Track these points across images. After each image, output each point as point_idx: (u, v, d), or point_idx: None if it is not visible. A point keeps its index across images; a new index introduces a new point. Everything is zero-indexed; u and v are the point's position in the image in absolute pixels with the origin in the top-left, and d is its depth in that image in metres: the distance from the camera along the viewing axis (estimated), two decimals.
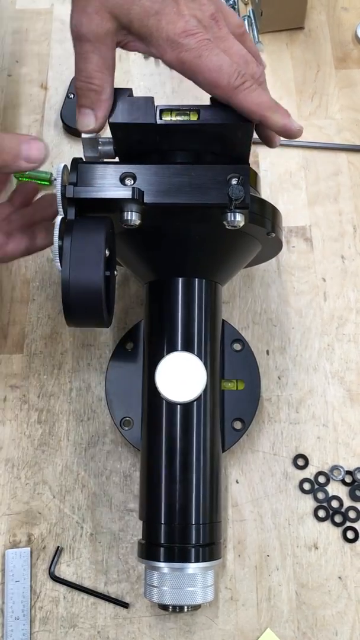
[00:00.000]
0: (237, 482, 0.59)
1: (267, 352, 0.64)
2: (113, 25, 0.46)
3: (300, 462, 0.59)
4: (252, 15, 0.82)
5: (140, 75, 0.79)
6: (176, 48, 0.44)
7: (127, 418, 0.58)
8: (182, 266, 0.54)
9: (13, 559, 0.55)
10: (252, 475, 0.59)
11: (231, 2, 0.82)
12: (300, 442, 0.60)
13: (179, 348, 0.52)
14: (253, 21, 0.82)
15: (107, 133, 0.50)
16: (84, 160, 0.50)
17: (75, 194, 0.46)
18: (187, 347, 0.53)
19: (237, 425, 0.57)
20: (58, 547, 0.56)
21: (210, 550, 0.51)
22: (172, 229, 0.52)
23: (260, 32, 0.81)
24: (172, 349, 0.52)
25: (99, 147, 0.50)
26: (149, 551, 0.51)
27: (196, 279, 0.54)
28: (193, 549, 0.50)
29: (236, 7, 0.83)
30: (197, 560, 0.50)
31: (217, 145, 0.50)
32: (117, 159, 0.52)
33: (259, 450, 0.60)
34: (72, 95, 0.76)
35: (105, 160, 0.51)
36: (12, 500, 0.58)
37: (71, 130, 0.75)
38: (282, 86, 0.78)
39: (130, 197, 0.46)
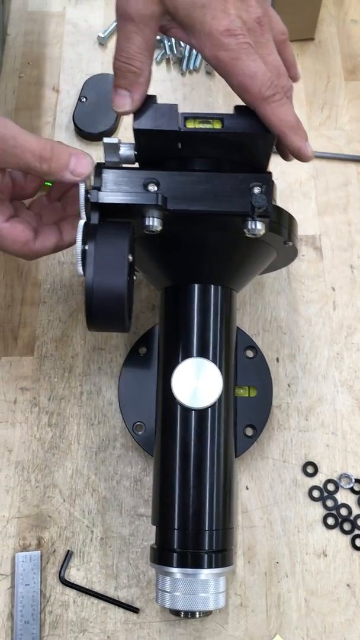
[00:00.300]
0: (247, 488, 0.59)
1: (277, 359, 0.64)
2: (159, 9, 0.46)
3: (310, 469, 0.59)
4: None
5: (152, 82, 0.79)
6: (216, 45, 0.45)
7: (139, 422, 0.58)
8: (199, 272, 0.54)
9: (23, 562, 0.55)
10: (261, 482, 0.59)
11: None
12: (309, 449, 0.60)
13: (195, 354, 0.53)
14: None
15: (127, 138, 0.51)
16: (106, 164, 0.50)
17: (100, 198, 0.47)
18: (203, 353, 0.53)
19: (249, 431, 0.58)
20: (68, 550, 0.56)
21: (223, 556, 0.51)
22: (191, 235, 0.52)
23: None
24: (188, 354, 0.53)
25: (120, 152, 0.51)
26: (161, 556, 0.51)
27: (212, 286, 0.54)
28: (206, 555, 0.50)
29: None
30: (210, 567, 0.50)
31: (237, 154, 0.50)
32: (136, 164, 0.52)
33: (269, 457, 0.60)
34: (84, 99, 0.77)
35: (126, 165, 0.51)
36: (22, 503, 0.58)
37: (83, 133, 0.75)
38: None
39: (155, 203, 0.46)
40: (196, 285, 0.54)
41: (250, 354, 0.60)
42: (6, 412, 0.62)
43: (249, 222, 0.48)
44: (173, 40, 0.81)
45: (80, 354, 0.64)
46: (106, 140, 0.50)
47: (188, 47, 0.81)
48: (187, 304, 0.54)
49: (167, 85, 0.80)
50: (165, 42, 0.81)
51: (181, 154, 0.50)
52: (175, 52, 0.80)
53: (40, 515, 0.58)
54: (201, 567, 0.50)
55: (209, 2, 0.45)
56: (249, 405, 0.58)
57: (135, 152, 0.50)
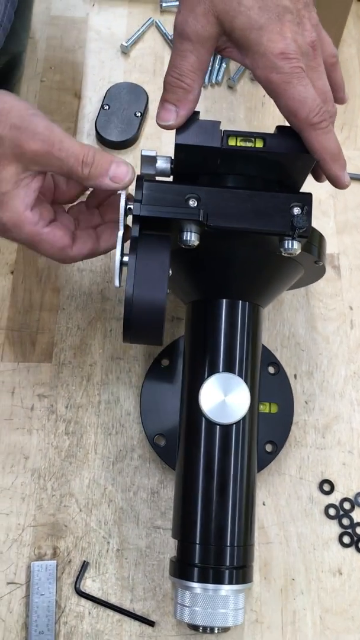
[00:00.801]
0: (263, 504, 0.59)
1: (295, 376, 0.64)
2: (216, 30, 0.46)
3: (326, 487, 0.60)
4: None
5: None
6: (269, 67, 0.45)
7: (160, 434, 0.58)
8: (228, 288, 0.54)
9: (39, 571, 0.55)
10: (278, 498, 0.60)
11: None
12: (326, 467, 0.61)
13: (223, 369, 0.53)
14: None
15: (163, 152, 0.51)
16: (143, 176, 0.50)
17: (142, 211, 0.47)
18: (230, 369, 0.53)
19: (269, 448, 0.58)
20: (84, 561, 0.56)
21: (243, 572, 0.51)
22: (225, 251, 0.52)
23: None
24: (215, 369, 0.53)
25: (156, 165, 0.51)
26: (182, 570, 0.51)
27: (240, 301, 0.54)
28: (227, 571, 0.50)
29: None
30: (230, 583, 0.50)
31: (275, 173, 0.51)
32: (171, 178, 0.52)
33: (286, 474, 0.60)
34: (107, 107, 0.77)
35: (160, 178, 0.51)
36: (37, 512, 0.58)
37: (104, 141, 0.75)
38: None
39: (198, 218, 0.46)
40: (224, 301, 0.54)
41: (272, 370, 0.60)
42: (23, 419, 0.61)
43: (287, 242, 0.48)
44: None
45: (99, 362, 0.64)
46: (144, 152, 0.50)
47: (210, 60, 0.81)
48: (215, 318, 0.54)
49: None
50: None
51: (218, 170, 0.50)
52: None
53: (56, 524, 0.57)
54: (222, 582, 0.50)
55: (266, 24, 0.45)
56: (269, 422, 0.58)
57: (171, 166, 0.51)
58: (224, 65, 0.82)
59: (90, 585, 0.56)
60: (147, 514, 0.58)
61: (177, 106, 0.47)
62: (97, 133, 0.75)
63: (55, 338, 0.65)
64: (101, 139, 0.75)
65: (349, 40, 0.85)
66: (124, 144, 0.75)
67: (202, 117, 0.79)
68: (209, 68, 0.81)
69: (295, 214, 0.48)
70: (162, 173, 0.51)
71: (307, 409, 0.63)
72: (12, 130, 0.45)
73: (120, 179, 0.47)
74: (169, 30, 0.83)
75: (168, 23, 0.84)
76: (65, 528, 0.57)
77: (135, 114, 0.76)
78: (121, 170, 0.47)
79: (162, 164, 0.51)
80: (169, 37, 0.83)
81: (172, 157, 0.51)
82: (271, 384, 0.60)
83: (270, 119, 0.79)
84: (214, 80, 0.81)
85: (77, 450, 0.60)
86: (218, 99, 0.80)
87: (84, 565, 0.56)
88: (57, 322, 0.66)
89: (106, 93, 0.78)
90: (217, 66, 0.81)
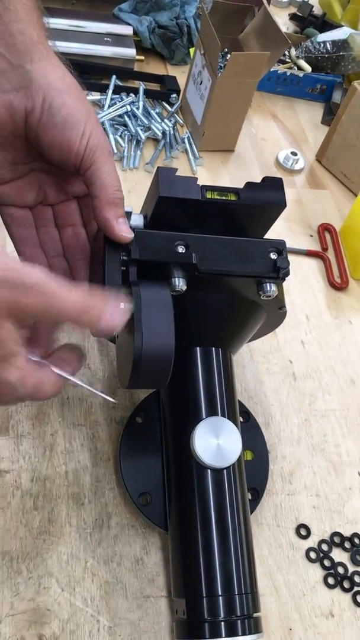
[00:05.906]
0: None
1: None
2: None
3: (303, 531, 0.61)
4: (190, 136, 0.92)
5: None
6: None
7: (144, 493, 0.56)
8: (203, 336, 0.56)
9: None
10: (261, 549, 0.59)
11: (172, 123, 0.92)
12: (299, 512, 0.62)
13: (210, 414, 0.53)
14: (192, 140, 0.92)
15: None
16: None
17: (141, 255, 0.48)
18: (217, 414, 0.53)
19: (249, 495, 0.58)
20: None
21: (255, 621, 0.49)
22: (201, 299, 0.54)
23: (199, 149, 0.91)
24: (204, 415, 0.53)
25: (130, 222, 0.53)
26: (191, 629, 0.48)
27: (213, 348, 0.56)
28: (239, 621, 0.48)
29: (175, 127, 0.93)
30: (244, 634, 0.48)
31: (244, 222, 0.55)
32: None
33: (263, 523, 0.60)
34: None
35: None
36: (14, 599, 0.52)
37: None
38: None
39: (192, 261, 0.48)
40: (198, 349, 0.56)
41: (241, 418, 0.62)
42: None
43: (266, 285, 0.51)
44: (113, 141, 0.87)
45: (60, 431, 0.61)
46: None
47: (126, 148, 0.87)
48: (193, 366, 0.55)
49: None
50: None
51: (192, 221, 0.53)
52: (115, 151, 0.86)
53: (37, 609, 0.52)
54: (235, 634, 0.48)
55: None
56: (247, 469, 0.59)
57: (145, 222, 0.53)
58: (139, 152, 0.88)
59: None
60: (135, 583, 0.55)
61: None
62: None
63: (10, 410, 0.61)
64: None
65: (243, 136, 0.96)
66: None
67: (127, 197, 0.83)
68: (126, 155, 0.86)
69: (275, 257, 0.52)
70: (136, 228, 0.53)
71: (271, 457, 0.65)
72: None
73: (115, 326, 0.41)
74: None
75: None
76: (48, 612, 0.52)
77: None
78: (117, 315, 0.40)
79: (136, 221, 0.53)
80: None
81: (145, 214, 0.53)
82: (244, 431, 0.61)
83: None
84: (131, 166, 0.86)
85: (49, 526, 0.56)
86: (138, 181, 0.85)
87: None
88: None
89: None
90: (132, 154, 0.87)
